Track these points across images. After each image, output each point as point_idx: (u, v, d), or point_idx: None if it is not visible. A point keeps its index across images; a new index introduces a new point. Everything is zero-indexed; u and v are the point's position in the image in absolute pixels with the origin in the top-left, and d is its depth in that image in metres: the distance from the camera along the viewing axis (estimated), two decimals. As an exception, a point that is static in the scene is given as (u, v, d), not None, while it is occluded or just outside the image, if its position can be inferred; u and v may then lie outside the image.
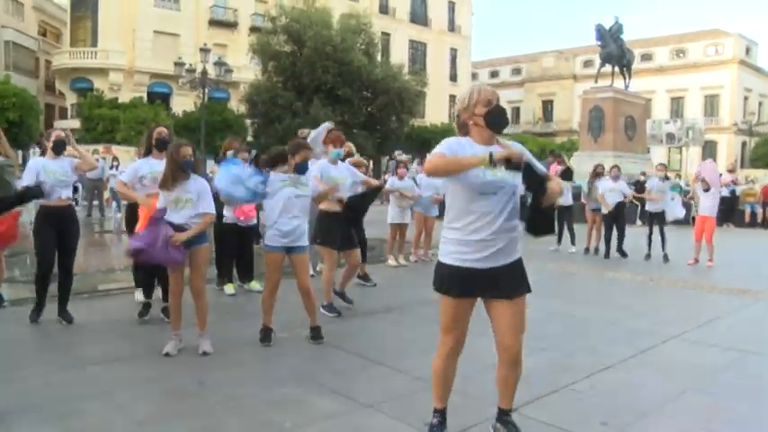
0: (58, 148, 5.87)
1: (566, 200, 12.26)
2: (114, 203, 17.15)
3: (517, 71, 64.07)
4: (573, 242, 12.33)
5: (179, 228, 4.92)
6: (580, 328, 6.18)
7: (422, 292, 7.68)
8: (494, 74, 64.17)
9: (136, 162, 6.37)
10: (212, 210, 5.11)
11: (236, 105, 36.57)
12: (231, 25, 41.60)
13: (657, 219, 11.46)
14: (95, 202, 18.61)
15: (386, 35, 45.83)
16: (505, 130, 3.23)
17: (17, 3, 43.43)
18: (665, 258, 11.04)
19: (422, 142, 37.47)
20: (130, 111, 30.56)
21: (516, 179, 3.17)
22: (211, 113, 30.58)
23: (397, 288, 8.18)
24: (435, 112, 47.79)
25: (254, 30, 38.69)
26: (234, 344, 5.33)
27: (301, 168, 5.37)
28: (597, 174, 12.31)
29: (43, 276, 5.81)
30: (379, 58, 36.87)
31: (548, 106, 61.54)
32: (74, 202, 6.30)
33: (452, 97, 45.62)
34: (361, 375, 4.63)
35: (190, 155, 5.02)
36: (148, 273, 6.21)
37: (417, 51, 50.49)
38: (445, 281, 3.25)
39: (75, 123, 32.39)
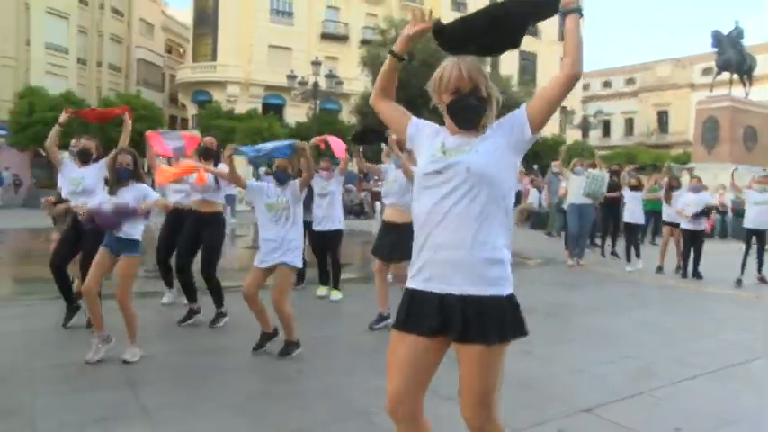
0: (82, 158, 5.90)
1: (638, 218, 11.44)
2: (228, 209, 17.93)
3: (631, 81, 61.85)
4: (638, 256, 11.39)
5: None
6: (669, 338, 6.19)
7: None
8: (606, 84, 62.48)
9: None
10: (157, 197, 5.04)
11: (347, 116, 37.66)
12: (342, 38, 42.94)
13: (759, 237, 10.24)
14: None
15: (495, 46, 45.67)
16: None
17: (148, 24, 46.96)
18: (762, 281, 10.17)
19: (532, 155, 37.05)
20: (246, 122, 32.34)
21: (469, 156, 2.41)
22: (323, 124, 31.67)
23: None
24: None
25: (364, 42, 39.60)
26: (331, 339, 5.79)
27: (279, 178, 5.27)
28: (672, 186, 11.42)
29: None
30: (488, 69, 36.86)
31: (663, 117, 59.05)
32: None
33: (563, 109, 44.98)
34: (445, 371, 4.91)
35: (128, 163, 4.94)
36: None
37: (528, 62, 50.06)
38: (401, 310, 2.48)
39: (196, 133, 34.39)
